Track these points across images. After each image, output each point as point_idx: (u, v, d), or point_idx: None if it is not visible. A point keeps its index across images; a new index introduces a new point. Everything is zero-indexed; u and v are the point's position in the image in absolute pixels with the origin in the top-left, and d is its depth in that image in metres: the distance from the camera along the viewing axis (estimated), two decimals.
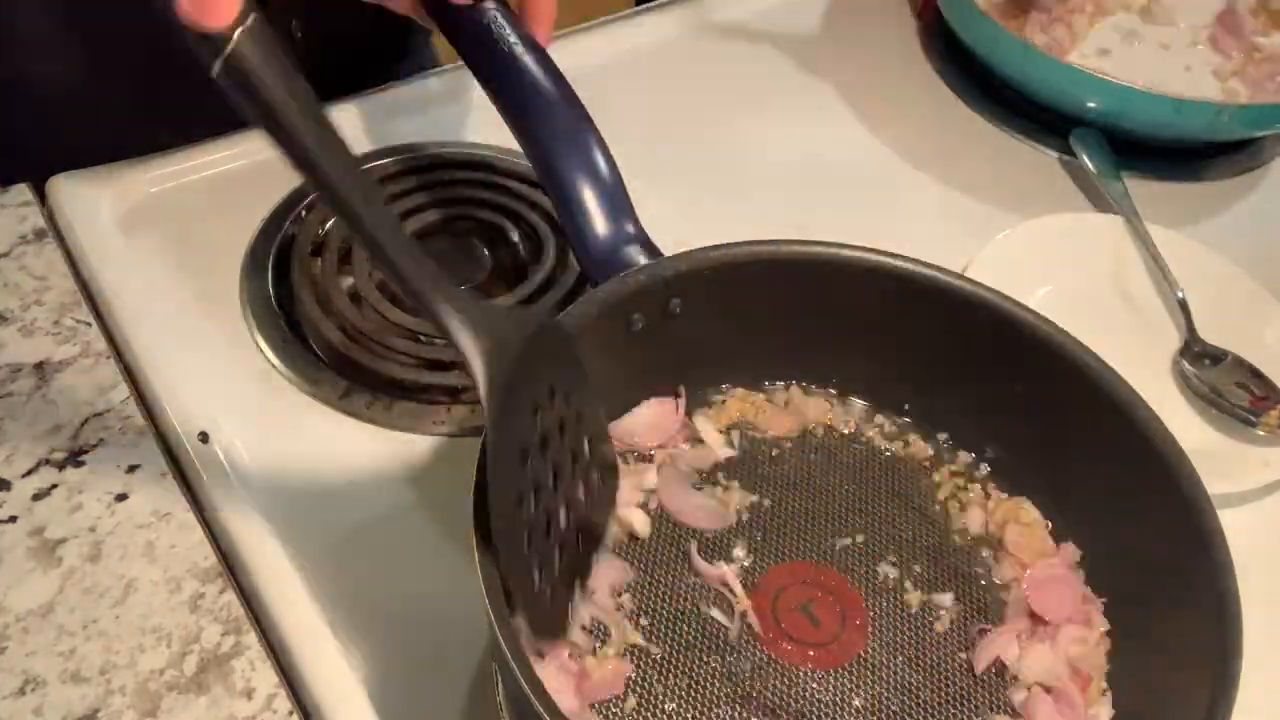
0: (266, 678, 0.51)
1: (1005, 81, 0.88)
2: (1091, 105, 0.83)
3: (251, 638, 0.52)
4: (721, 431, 0.58)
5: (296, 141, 0.42)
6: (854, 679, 0.50)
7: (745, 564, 0.53)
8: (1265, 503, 0.66)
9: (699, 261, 0.54)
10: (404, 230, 0.44)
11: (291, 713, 0.50)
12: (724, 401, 0.59)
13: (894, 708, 0.50)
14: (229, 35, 0.38)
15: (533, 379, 0.45)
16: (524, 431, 0.45)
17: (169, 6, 0.37)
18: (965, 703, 0.50)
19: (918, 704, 0.50)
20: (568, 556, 0.48)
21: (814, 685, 0.50)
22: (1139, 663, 0.51)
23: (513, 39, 0.60)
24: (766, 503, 0.56)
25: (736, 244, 0.55)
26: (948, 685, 0.51)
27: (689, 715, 0.49)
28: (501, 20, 0.60)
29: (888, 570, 0.54)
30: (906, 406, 0.60)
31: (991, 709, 0.50)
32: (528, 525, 0.44)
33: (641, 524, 0.54)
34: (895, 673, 0.51)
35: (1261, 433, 0.68)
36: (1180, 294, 0.75)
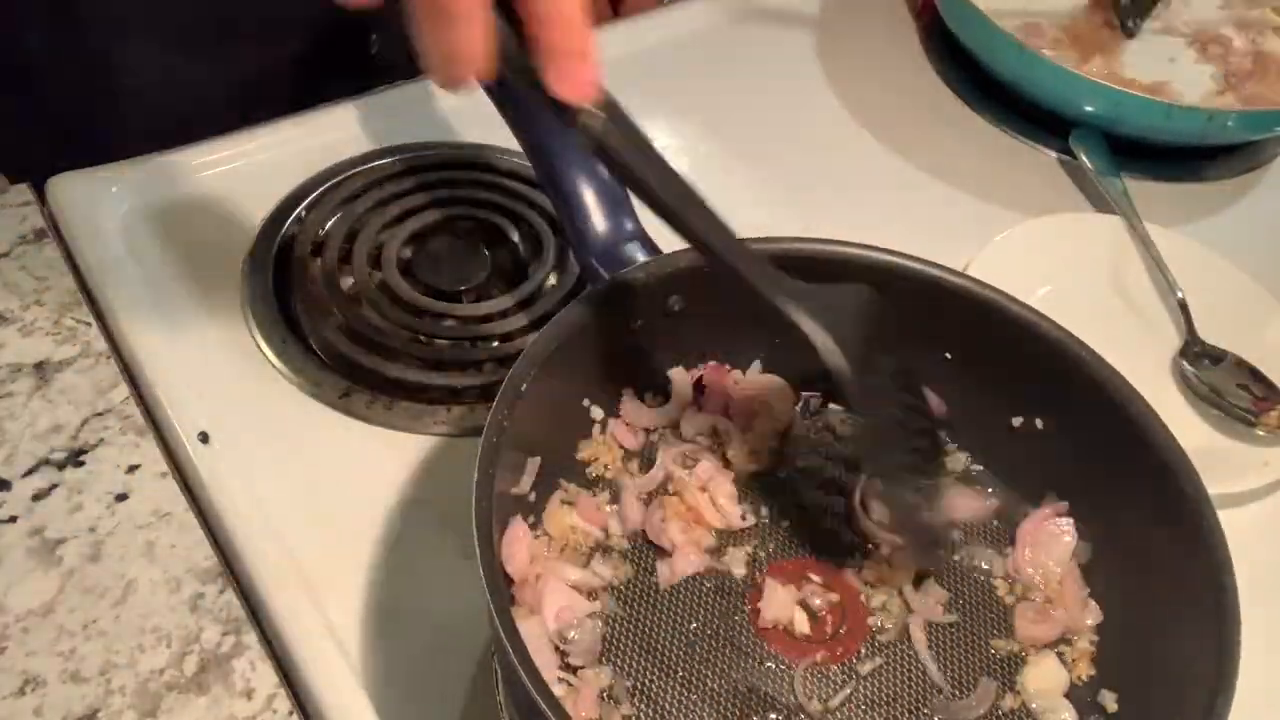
0: (266, 678, 0.51)
1: (1004, 82, 0.88)
2: (1086, 108, 0.84)
3: (251, 638, 0.52)
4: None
5: (653, 194, 0.47)
6: (854, 675, 0.50)
7: (743, 567, 0.54)
8: (1265, 503, 0.66)
9: (699, 259, 0.54)
10: (745, 244, 0.49)
11: (291, 713, 0.50)
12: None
13: (897, 704, 0.50)
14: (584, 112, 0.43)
15: (871, 345, 0.50)
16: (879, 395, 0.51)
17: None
18: (967, 692, 0.50)
19: (919, 698, 0.50)
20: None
21: (813, 681, 0.50)
22: (1139, 660, 0.51)
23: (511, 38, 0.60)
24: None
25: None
26: (947, 679, 0.51)
27: (688, 708, 0.49)
28: (500, 20, 0.60)
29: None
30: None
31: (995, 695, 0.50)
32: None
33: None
34: (894, 669, 0.51)
35: (1261, 433, 0.68)
36: (1180, 294, 0.75)
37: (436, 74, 0.42)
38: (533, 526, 0.52)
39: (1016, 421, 0.57)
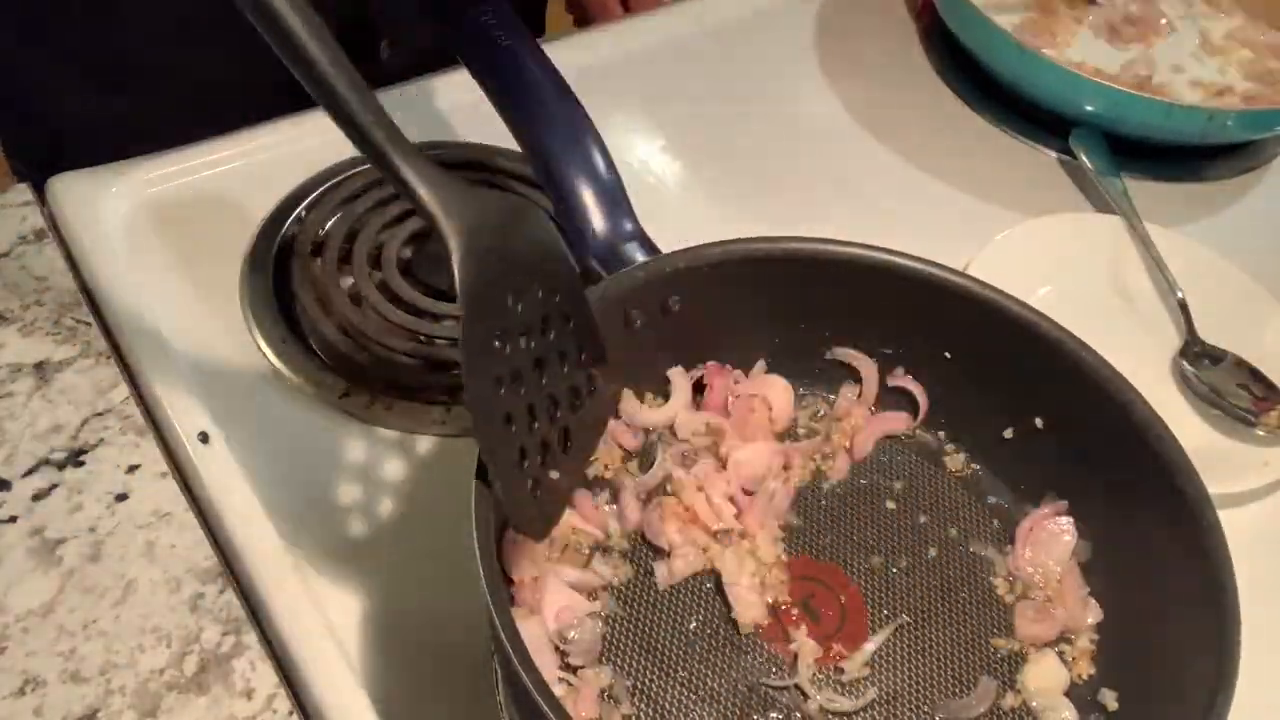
0: (266, 678, 0.51)
1: (1004, 82, 0.88)
2: (1086, 108, 0.84)
3: (251, 638, 0.52)
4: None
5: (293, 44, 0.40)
6: (854, 674, 0.50)
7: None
8: (1265, 503, 0.66)
9: (698, 259, 0.54)
10: (377, 104, 0.42)
11: (291, 713, 0.50)
12: None
13: (897, 703, 0.50)
14: None
15: (510, 263, 0.44)
16: (501, 313, 0.44)
17: None
18: (967, 691, 0.50)
19: (919, 696, 0.50)
20: (554, 456, 0.47)
21: (812, 680, 0.50)
22: (1140, 660, 0.51)
23: (510, 38, 0.60)
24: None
25: (735, 241, 0.55)
26: (948, 677, 0.51)
27: (688, 708, 0.49)
28: (497, 19, 0.60)
29: (887, 565, 0.54)
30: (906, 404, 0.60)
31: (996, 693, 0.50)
32: (506, 406, 0.44)
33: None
34: (894, 668, 0.51)
35: (1261, 433, 0.68)
36: (1180, 294, 0.75)
37: None
38: None
39: (1016, 421, 0.57)
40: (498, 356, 0.44)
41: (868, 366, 0.59)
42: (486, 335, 0.43)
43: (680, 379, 0.58)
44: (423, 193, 0.42)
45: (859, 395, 0.59)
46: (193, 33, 0.80)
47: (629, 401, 0.57)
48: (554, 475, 0.47)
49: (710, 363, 0.58)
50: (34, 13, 0.77)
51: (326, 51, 0.40)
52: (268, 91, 0.80)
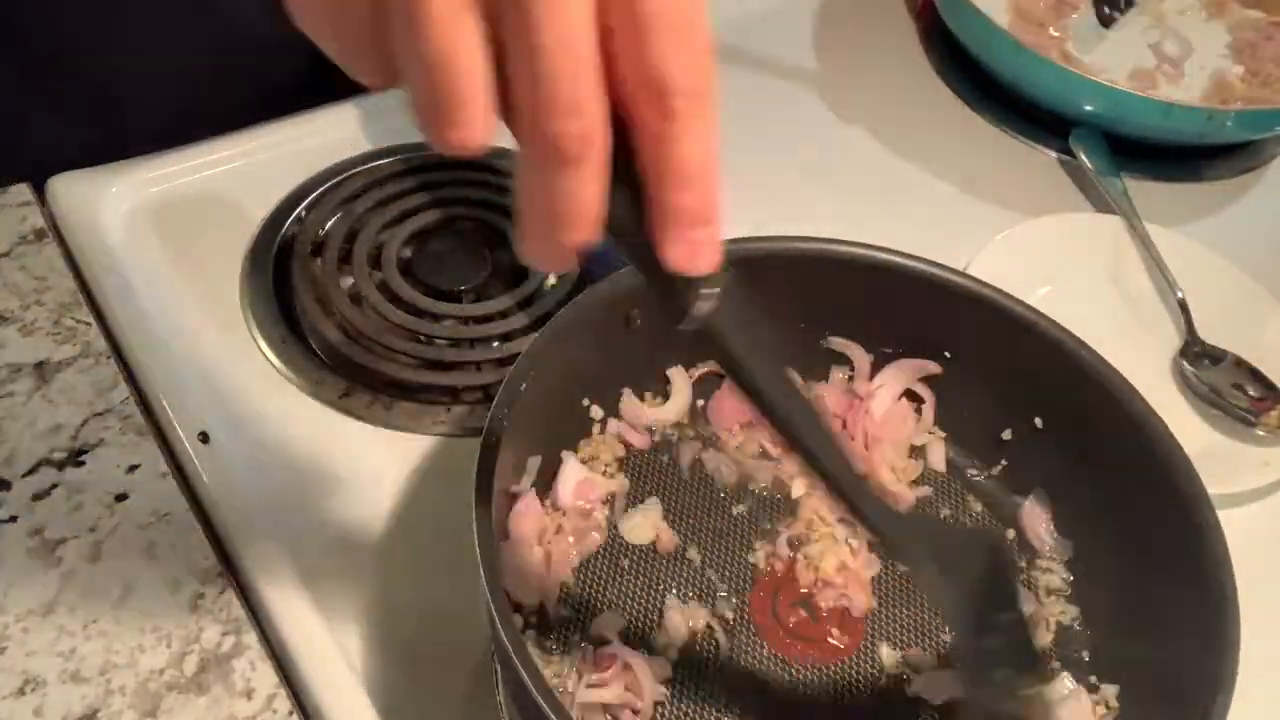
0: (266, 678, 0.51)
1: (1003, 82, 0.88)
2: (1086, 108, 0.83)
3: (251, 638, 0.52)
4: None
5: (762, 393, 0.40)
6: (854, 672, 0.50)
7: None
8: (1265, 503, 0.66)
9: None
10: (860, 476, 0.42)
11: (291, 713, 0.50)
12: None
13: (896, 700, 0.50)
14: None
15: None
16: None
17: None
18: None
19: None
20: None
21: (814, 679, 0.50)
22: (1139, 659, 0.51)
23: None
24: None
25: (733, 240, 0.55)
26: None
27: (688, 707, 0.49)
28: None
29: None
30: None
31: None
32: None
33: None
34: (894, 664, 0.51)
35: (1261, 433, 0.68)
36: (1180, 294, 0.75)
37: (537, 241, 0.34)
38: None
39: (1015, 421, 0.57)
40: None
41: (860, 354, 0.59)
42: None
43: (681, 378, 0.58)
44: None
45: (849, 379, 0.59)
46: (194, 35, 0.80)
47: (630, 402, 0.57)
48: None
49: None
50: (24, 43, 0.77)
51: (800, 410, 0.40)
52: (268, 94, 0.80)
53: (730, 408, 0.58)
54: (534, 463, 0.52)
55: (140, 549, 0.55)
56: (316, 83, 0.78)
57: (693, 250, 0.34)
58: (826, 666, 0.51)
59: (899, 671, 0.51)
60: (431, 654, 0.54)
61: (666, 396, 0.58)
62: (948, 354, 0.57)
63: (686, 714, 0.49)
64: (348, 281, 0.68)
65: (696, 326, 0.36)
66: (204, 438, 0.59)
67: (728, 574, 0.54)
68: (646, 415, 0.57)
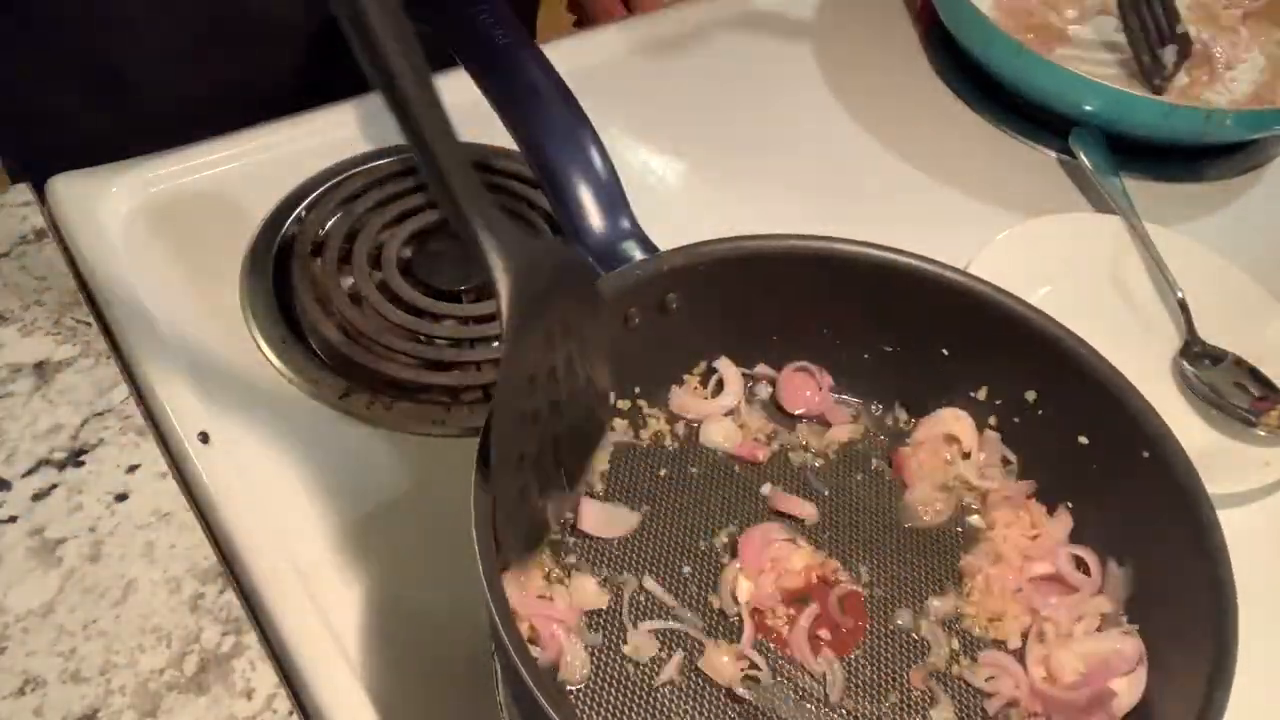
0: (266, 678, 0.51)
1: (1003, 82, 0.88)
2: (1085, 108, 0.84)
3: (251, 638, 0.52)
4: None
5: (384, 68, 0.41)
6: (854, 670, 0.50)
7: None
8: (1265, 503, 0.66)
9: (695, 256, 0.54)
10: (461, 149, 0.43)
11: (291, 713, 0.50)
12: None
13: (894, 698, 0.50)
14: None
15: (552, 309, 0.45)
16: (537, 359, 0.45)
17: None
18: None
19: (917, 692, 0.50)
20: (551, 487, 0.49)
21: (813, 675, 0.50)
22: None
23: (506, 37, 0.60)
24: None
25: (733, 238, 0.55)
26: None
27: (688, 705, 0.49)
28: (495, 18, 0.60)
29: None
30: (902, 401, 0.60)
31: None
32: (521, 445, 0.45)
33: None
34: (893, 659, 0.51)
35: (1261, 433, 0.68)
36: (1180, 294, 0.75)
37: None
38: None
39: (1015, 419, 0.57)
40: (526, 398, 0.45)
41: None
42: (521, 378, 0.44)
43: (730, 369, 0.59)
44: (478, 228, 0.43)
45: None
46: (194, 34, 0.80)
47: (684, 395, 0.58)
48: (546, 505, 0.49)
49: (800, 363, 0.59)
50: (32, 24, 0.77)
51: (411, 69, 0.41)
52: (268, 94, 0.80)
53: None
54: None
55: (140, 549, 0.55)
56: (316, 80, 0.78)
57: None
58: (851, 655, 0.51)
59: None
60: (431, 654, 0.54)
61: (666, 396, 0.58)
62: (945, 351, 0.57)
63: None
64: (348, 281, 0.68)
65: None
66: (204, 438, 0.59)
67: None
68: (698, 407, 0.58)
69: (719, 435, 0.57)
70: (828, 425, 0.59)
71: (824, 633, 0.51)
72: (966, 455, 0.57)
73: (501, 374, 0.44)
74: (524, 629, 0.48)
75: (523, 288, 0.43)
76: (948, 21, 0.91)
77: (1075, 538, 0.55)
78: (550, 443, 0.48)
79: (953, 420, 0.58)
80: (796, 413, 0.59)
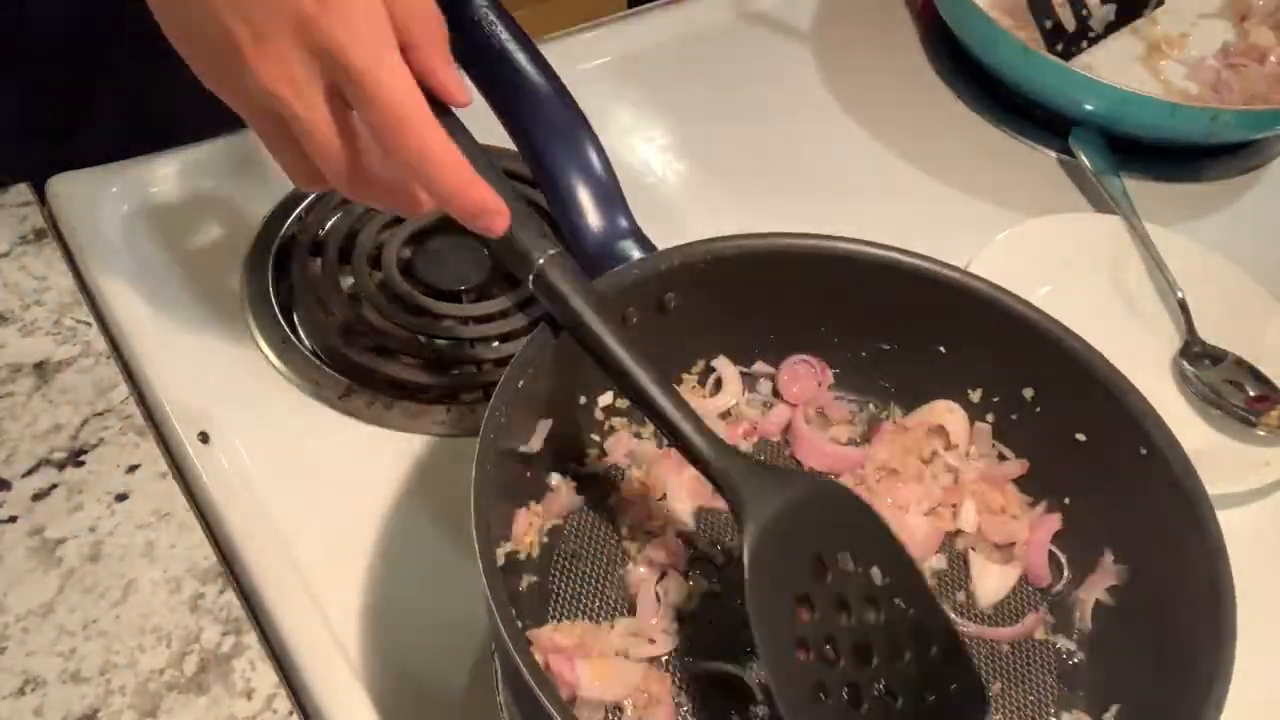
0: (266, 678, 0.51)
1: (1004, 82, 0.88)
2: (1089, 107, 0.83)
3: (251, 638, 0.52)
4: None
5: (600, 345, 0.48)
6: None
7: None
8: (1265, 503, 0.66)
9: (692, 255, 0.54)
10: (685, 406, 0.48)
11: (291, 713, 0.50)
12: None
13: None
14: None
15: (797, 534, 0.47)
16: (790, 578, 0.46)
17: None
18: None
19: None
20: None
21: None
22: (1138, 655, 0.51)
23: (504, 36, 0.60)
24: None
25: (731, 237, 0.55)
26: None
27: (686, 705, 0.49)
28: (493, 18, 0.60)
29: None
30: (899, 399, 0.60)
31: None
32: (813, 679, 0.45)
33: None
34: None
35: (1261, 433, 0.68)
36: (1180, 294, 0.75)
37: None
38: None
39: (1012, 416, 0.57)
40: (796, 622, 0.46)
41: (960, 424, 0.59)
42: (770, 598, 0.45)
43: (728, 368, 0.59)
44: (717, 469, 0.47)
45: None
46: None
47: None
48: None
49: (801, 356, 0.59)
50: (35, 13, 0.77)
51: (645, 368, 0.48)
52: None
53: None
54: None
55: (140, 549, 0.55)
56: None
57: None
58: None
59: None
60: (431, 654, 0.54)
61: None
62: (942, 349, 0.57)
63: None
64: (348, 281, 0.68)
65: (535, 275, 0.48)
66: (204, 438, 0.59)
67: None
68: (701, 406, 0.58)
69: None
70: (828, 422, 0.59)
71: None
72: (951, 447, 0.57)
73: (749, 585, 0.45)
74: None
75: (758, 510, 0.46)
76: (950, 21, 0.91)
77: (1075, 536, 0.55)
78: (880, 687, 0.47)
79: (945, 412, 0.58)
80: (796, 404, 0.59)
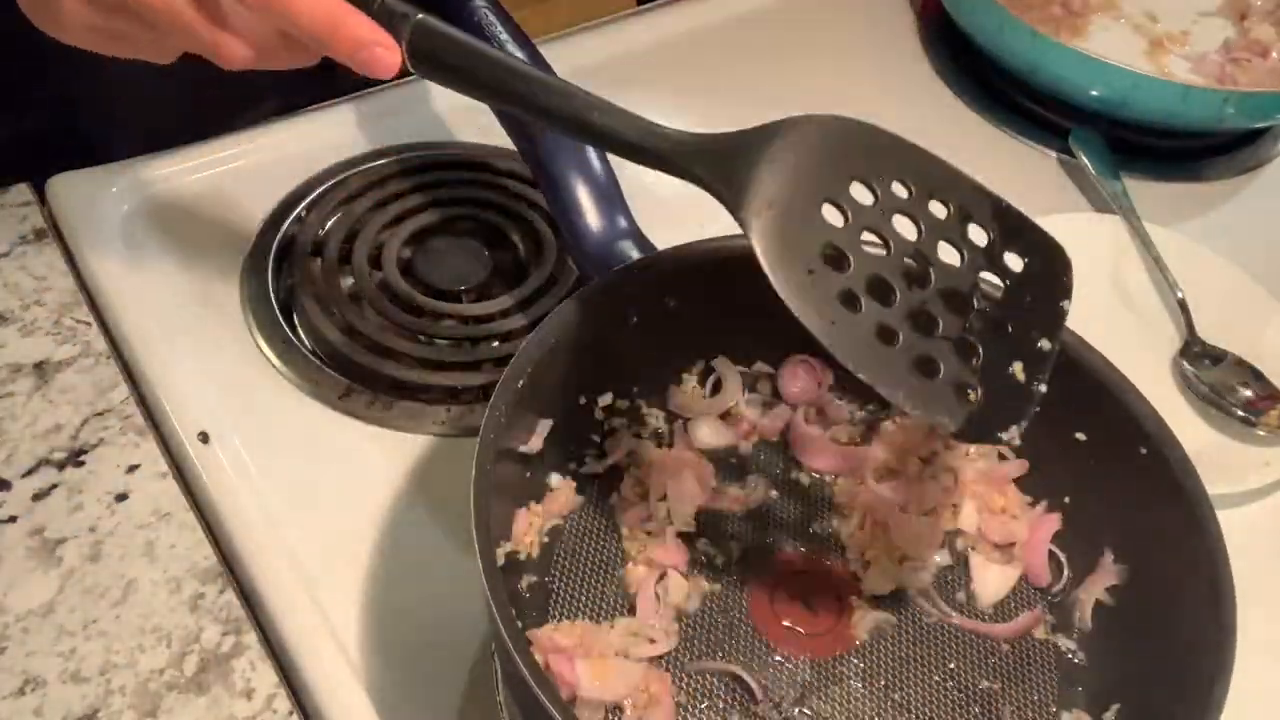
0: (266, 678, 0.51)
1: (1007, 70, 0.88)
2: (1096, 93, 0.83)
3: (251, 638, 0.52)
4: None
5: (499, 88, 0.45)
6: (851, 666, 0.51)
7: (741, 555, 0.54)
8: (1265, 503, 0.66)
9: (693, 256, 0.54)
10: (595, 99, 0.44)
11: (291, 713, 0.50)
12: None
13: (895, 695, 0.50)
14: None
15: (799, 193, 0.42)
16: (811, 238, 0.42)
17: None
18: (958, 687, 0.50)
19: (916, 688, 0.50)
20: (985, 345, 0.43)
21: (811, 673, 0.50)
22: (1138, 655, 0.51)
23: (503, 36, 0.60)
24: (774, 494, 0.57)
25: (730, 237, 0.55)
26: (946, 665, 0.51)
27: (686, 705, 0.49)
28: (491, 17, 0.60)
29: None
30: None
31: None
32: (873, 324, 0.41)
33: None
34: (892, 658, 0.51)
35: (1261, 433, 0.68)
36: (1180, 294, 0.75)
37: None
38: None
39: None
40: (835, 277, 0.42)
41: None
42: (802, 271, 0.41)
43: (728, 368, 0.59)
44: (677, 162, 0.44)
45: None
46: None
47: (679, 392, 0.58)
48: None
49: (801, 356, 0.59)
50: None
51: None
52: (268, 94, 0.80)
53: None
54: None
55: (140, 549, 0.55)
56: (316, 79, 0.78)
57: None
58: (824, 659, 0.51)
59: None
60: (431, 654, 0.54)
61: (664, 396, 0.58)
62: None
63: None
64: (348, 281, 0.68)
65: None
66: (204, 438, 0.59)
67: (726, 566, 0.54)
68: (700, 406, 0.58)
69: (707, 434, 0.57)
70: (828, 422, 0.59)
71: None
72: (951, 447, 0.57)
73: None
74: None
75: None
76: (954, 10, 0.90)
77: (1075, 536, 0.55)
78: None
79: None
80: (796, 405, 0.59)
